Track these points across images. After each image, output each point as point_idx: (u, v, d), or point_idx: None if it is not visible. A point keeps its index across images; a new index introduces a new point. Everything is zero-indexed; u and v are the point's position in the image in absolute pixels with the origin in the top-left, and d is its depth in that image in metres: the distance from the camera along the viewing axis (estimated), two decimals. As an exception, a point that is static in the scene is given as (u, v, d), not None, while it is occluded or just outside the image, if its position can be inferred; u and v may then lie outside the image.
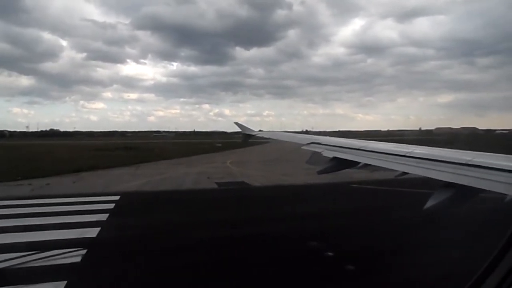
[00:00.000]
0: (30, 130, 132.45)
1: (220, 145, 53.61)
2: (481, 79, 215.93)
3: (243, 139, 11.27)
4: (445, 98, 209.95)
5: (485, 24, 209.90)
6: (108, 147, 46.35)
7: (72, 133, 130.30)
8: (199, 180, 19.52)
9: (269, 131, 12.33)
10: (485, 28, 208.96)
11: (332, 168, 5.74)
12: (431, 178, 3.63)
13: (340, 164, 5.57)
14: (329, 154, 5.84)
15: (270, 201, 14.19)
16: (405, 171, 4.32)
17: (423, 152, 4.38)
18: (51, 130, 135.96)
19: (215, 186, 17.71)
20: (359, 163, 5.21)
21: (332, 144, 6.22)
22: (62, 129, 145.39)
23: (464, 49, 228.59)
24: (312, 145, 6.73)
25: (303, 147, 6.98)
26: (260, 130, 11.44)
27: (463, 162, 3.50)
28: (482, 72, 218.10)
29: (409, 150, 4.58)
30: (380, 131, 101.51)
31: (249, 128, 11.14)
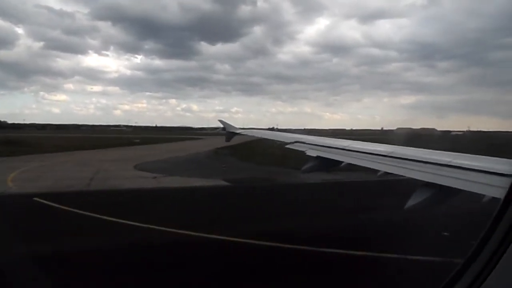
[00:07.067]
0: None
1: (138, 140, 51.65)
2: (441, 82, 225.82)
3: (227, 136, 11.30)
4: (408, 99, 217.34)
5: (443, 29, 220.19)
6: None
7: (21, 126, 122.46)
8: None
9: (252, 129, 12.38)
10: (443, 33, 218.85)
11: (315, 167, 5.77)
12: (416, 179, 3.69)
13: (323, 163, 5.60)
14: (313, 153, 5.87)
15: None
16: (387, 171, 4.38)
17: (405, 152, 4.45)
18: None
19: None
20: (342, 162, 5.25)
21: (316, 144, 6.25)
22: (15, 121, 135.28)
23: (425, 52, 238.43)
24: (296, 144, 6.75)
25: (287, 146, 7.00)
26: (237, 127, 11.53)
27: (444, 163, 3.57)
28: (441, 75, 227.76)
29: (391, 150, 4.64)
30: (344, 129, 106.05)
31: (232, 126, 11.29)
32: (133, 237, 8.28)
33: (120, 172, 19.65)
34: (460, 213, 7.07)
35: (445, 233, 7.91)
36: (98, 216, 9.87)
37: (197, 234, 8.16)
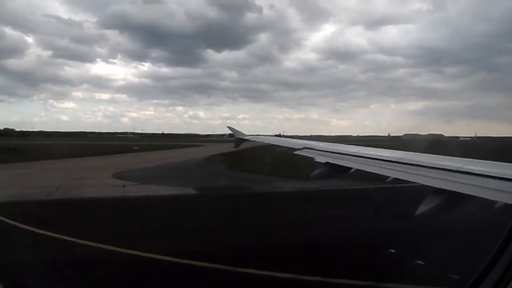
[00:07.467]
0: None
1: (137, 148, 52.63)
2: (449, 87, 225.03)
3: (235, 142, 11.38)
4: (416, 105, 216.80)
5: (450, 34, 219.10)
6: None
7: (29, 133, 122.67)
8: None
9: (261, 135, 12.43)
10: (450, 38, 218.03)
11: (325, 173, 5.79)
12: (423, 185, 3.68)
13: (332, 169, 5.62)
14: (322, 159, 5.89)
15: None
16: (397, 177, 4.38)
17: (414, 158, 4.45)
18: (6, 129, 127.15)
19: None
20: (351, 168, 5.27)
21: (325, 150, 6.28)
22: (28, 129, 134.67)
23: (432, 58, 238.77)
24: (305, 150, 6.79)
25: (295, 152, 7.03)
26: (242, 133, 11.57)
27: (454, 169, 3.57)
28: (449, 80, 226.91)
29: (401, 156, 4.65)
30: (351, 136, 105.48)
31: (241, 132, 11.39)
32: (42, 250, 8.04)
33: (94, 181, 19.53)
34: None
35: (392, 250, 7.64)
36: (28, 228, 9.68)
37: (109, 248, 7.94)
